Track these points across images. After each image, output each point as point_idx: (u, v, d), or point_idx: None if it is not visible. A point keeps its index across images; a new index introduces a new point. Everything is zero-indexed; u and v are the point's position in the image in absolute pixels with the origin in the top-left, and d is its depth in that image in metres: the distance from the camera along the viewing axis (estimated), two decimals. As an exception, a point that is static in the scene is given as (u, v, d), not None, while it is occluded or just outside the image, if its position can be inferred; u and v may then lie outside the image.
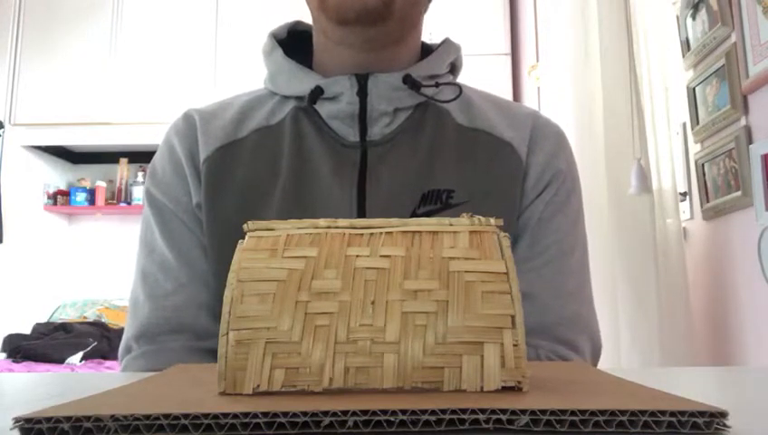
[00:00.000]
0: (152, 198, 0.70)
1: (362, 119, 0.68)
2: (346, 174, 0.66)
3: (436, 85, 0.69)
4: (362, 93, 0.67)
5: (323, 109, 0.68)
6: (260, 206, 0.66)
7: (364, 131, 0.68)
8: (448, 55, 0.73)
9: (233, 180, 0.67)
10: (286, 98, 0.72)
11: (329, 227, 0.37)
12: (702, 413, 0.26)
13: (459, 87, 0.70)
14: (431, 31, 0.78)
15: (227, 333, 0.33)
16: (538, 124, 0.72)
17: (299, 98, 0.70)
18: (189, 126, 0.72)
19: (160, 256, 0.68)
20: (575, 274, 0.69)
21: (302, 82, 0.69)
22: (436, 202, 0.65)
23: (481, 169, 0.67)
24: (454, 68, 0.75)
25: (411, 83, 0.68)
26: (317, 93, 0.67)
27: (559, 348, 0.64)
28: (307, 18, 0.74)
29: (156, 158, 0.73)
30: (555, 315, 0.65)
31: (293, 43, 0.75)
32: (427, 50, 0.75)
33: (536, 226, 0.68)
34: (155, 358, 0.64)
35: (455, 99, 0.69)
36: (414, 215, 0.64)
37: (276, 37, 0.75)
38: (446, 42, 0.75)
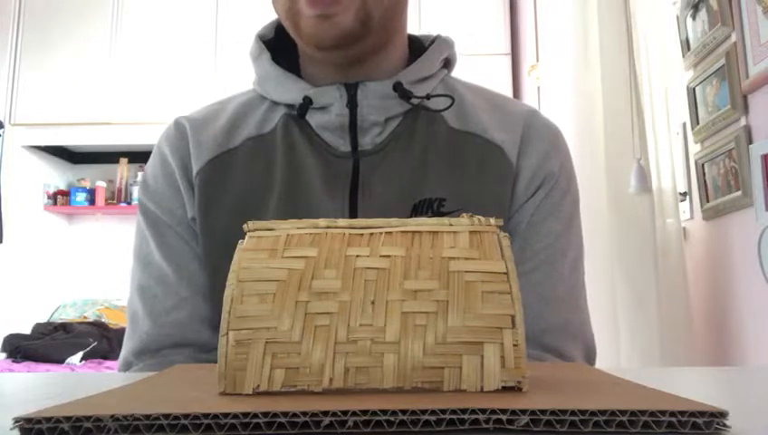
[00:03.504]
0: (146, 210, 0.69)
1: (353, 129, 0.66)
2: (338, 186, 0.65)
3: (428, 97, 0.67)
4: (352, 103, 0.66)
5: (313, 119, 0.67)
6: (253, 219, 0.65)
7: (355, 141, 0.67)
8: (440, 53, 0.72)
9: (226, 194, 0.66)
10: (276, 103, 0.70)
11: (329, 227, 0.37)
12: (702, 413, 0.26)
13: (452, 97, 0.67)
14: (431, 30, 0.77)
15: (227, 333, 0.33)
16: (532, 124, 0.70)
17: (289, 105, 0.69)
18: (180, 135, 0.70)
19: (158, 271, 0.67)
20: (566, 279, 0.67)
21: (291, 90, 0.68)
22: (427, 211, 0.64)
23: (472, 174, 0.66)
24: (448, 63, 0.74)
25: (401, 92, 0.66)
26: (306, 105, 0.66)
27: (545, 356, 0.63)
28: None
29: (148, 168, 0.72)
30: (543, 322, 0.64)
31: (282, 41, 0.74)
32: (418, 45, 0.74)
33: (526, 229, 0.67)
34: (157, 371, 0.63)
35: (446, 109, 0.67)
36: None
37: (264, 38, 0.73)
38: (438, 39, 0.73)
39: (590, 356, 0.68)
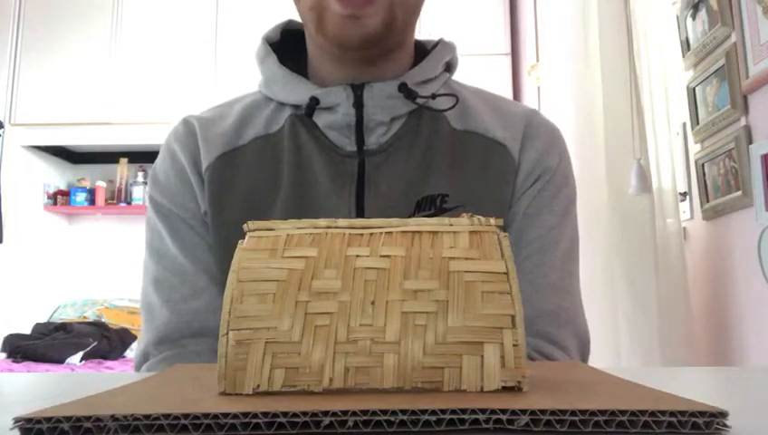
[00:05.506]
0: (158, 205, 0.70)
1: (359, 129, 0.67)
2: (344, 184, 0.66)
3: (433, 97, 0.69)
4: (358, 104, 0.67)
5: (320, 119, 0.68)
6: (262, 216, 0.65)
7: (361, 141, 0.68)
8: (443, 56, 0.73)
9: (235, 190, 0.67)
10: (282, 104, 0.71)
11: (329, 227, 0.37)
12: (702, 413, 0.26)
13: (456, 97, 0.69)
14: (431, 31, 0.78)
15: (227, 333, 0.33)
16: (532, 123, 0.72)
17: (295, 105, 0.70)
18: (189, 133, 0.71)
19: (172, 262, 0.68)
20: (558, 267, 0.68)
21: (298, 91, 0.69)
22: (430, 208, 0.65)
23: (475, 171, 0.68)
24: (449, 66, 0.75)
25: (407, 93, 0.67)
26: (313, 105, 0.67)
27: (538, 342, 0.64)
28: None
29: (157, 164, 0.72)
30: (534, 308, 0.64)
31: (287, 44, 0.74)
32: (421, 48, 0.75)
33: (521, 220, 0.68)
34: (178, 362, 0.62)
35: (451, 108, 0.69)
36: None
37: (269, 41, 0.74)
38: (441, 43, 0.75)
39: (583, 345, 0.68)
